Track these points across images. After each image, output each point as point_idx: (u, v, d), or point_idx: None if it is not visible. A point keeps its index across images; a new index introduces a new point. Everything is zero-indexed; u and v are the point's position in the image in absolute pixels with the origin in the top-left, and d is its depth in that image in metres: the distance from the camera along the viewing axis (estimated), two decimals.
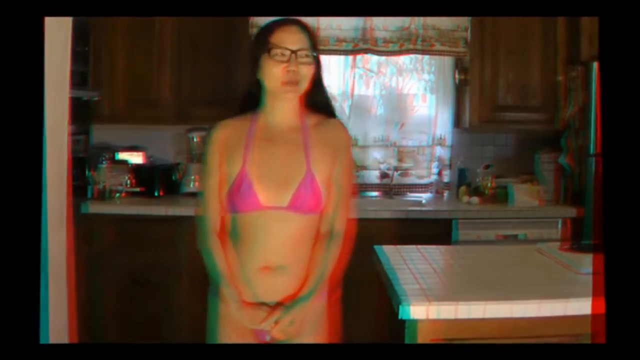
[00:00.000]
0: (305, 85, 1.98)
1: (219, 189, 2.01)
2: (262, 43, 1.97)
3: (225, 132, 2.02)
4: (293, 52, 1.94)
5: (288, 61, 1.93)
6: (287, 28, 1.97)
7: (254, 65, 1.99)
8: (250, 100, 2.04)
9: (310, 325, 2.01)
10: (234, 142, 2.00)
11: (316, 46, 2.00)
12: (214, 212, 2.02)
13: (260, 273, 1.96)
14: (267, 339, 1.99)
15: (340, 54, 4.17)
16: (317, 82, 2.02)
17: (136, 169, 4.10)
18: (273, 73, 1.95)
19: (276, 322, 1.94)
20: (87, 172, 3.92)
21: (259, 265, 1.96)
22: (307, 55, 1.96)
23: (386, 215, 3.77)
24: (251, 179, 1.94)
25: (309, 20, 3.24)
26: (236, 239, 2.00)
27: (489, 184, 4.12)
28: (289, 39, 1.95)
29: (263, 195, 1.94)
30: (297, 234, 1.97)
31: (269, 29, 1.98)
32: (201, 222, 2.04)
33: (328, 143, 2.02)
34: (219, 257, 2.00)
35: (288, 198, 1.94)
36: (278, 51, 1.94)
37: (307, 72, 1.97)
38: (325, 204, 2.00)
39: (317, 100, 2.05)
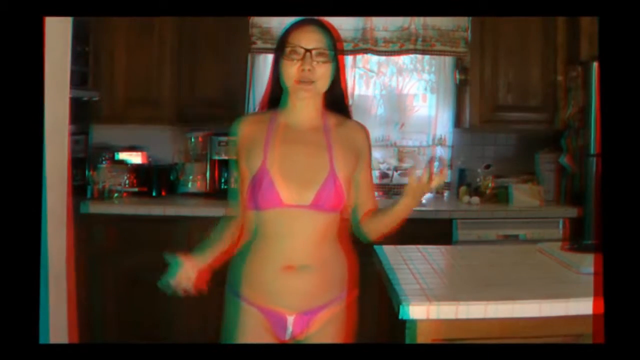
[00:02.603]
0: (322, 84, 1.98)
1: (242, 182, 2.04)
2: (280, 43, 1.99)
3: (246, 127, 2.05)
4: (307, 50, 1.94)
5: (302, 59, 1.94)
6: (305, 27, 1.98)
7: (275, 65, 2.01)
8: (272, 99, 2.06)
9: (328, 325, 2.01)
10: (254, 137, 2.01)
11: (337, 45, 2.00)
12: (238, 203, 2.07)
13: (282, 273, 1.95)
14: (287, 338, 1.99)
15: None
16: (336, 81, 2.02)
17: (136, 169, 4.10)
18: (288, 72, 1.96)
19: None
20: (87, 172, 3.92)
21: (282, 265, 1.95)
22: (322, 54, 1.96)
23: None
24: (272, 176, 1.94)
25: None
26: (257, 237, 1.99)
27: (489, 184, 4.12)
28: (304, 38, 1.95)
29: (285, 192, 1.93)
30: (319, 233, 1.97)
31: (288, 30, 2.00)
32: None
33: (350, 144, 2.04)
34: (216, 234, 2.07)
35: (311, 196, 1.94)
36: (292, 50, 1.95)
37: (323, 72, 1.96)
38: (346, 203, 2.02)
39: (335, 101, 2.05)
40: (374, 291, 2.90)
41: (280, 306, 1.97)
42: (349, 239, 2.11)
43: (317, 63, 1.95)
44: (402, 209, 2.01)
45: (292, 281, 1.95)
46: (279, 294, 1.96)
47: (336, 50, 1.99)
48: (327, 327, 2.01)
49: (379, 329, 3.49)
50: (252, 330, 1.98)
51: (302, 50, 1.94)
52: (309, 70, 1.94)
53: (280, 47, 1.98)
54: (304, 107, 2.01)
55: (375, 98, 4.41)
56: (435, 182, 1.92)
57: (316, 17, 2.02)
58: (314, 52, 1.94)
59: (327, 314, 2.00)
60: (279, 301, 1.96)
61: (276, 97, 2.05)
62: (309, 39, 1.96)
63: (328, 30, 1.99)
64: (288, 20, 2.03)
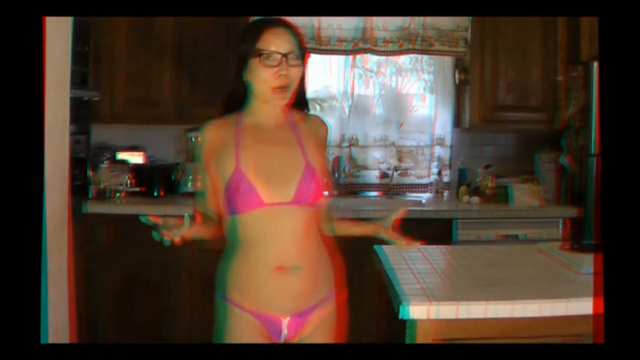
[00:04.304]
0: (293, 88, 1.97)
1: (214, 189, 2.01)
2: (251, 47, 1.94)
3: (212, 132, 2.02)
4: (284, 55, 1.92)
5: (279, 65, 1.92)
6: (275, 30, 1.94)
7: (240, 66, 1.98)
8: (235, 100, 2.04)
9: (321, 326, 2.00)
10: (222, 142, 1.99)
11: (302, 45, 1.99)
12: (209, 210, 2.06)
13: (274, 275, 1.93)
14: (282, 341, 1.98)
15: (340, 54, 4.16)
16: (301, 81, 2.01)
17: (136, 169, 4.10)
18: (263, 78, 1.93)
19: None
20: (87, 172, 3.92)
21: (272, 267, 1.93)
22: (296, 57, 1.95)
23: (386, 215, 3.76)
24: (249, 178, 1.92)
25: (309, 20, 3.22)
26: (240, 243, 1.96)
27: (489, 184, 4.12)
28: (277, 42, 1.93)
29: (265, 192, 1.92)
30: (303, 229, 1.95)
31: (255, 32, 1.95)
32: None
33: (317, 138, 2.07)
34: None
35: (292, 192, 1.93)
36: (268, 56, 1.92)
37: (296, 74, 1.96)
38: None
39: (299, 97, 2.04)
40: (374, 291, 2.91)
41: (274, 310, 1.95)
42: (332, 237, 2.11)
43: (292, 67, 1.94)
44: (359, 233, 2.20)
45: (284, 283, 1.93)
46: (273, 297, 1.94)
47: (303, 50, 1.99)
48: (319, 328, 2.00)
49: (379, 329, 3.50)
50: (246, 335, 1.95)
51: (279, 56, 1.92)
52: (285, 75, 1.93)
53: (251, 51, 1.93)
54: (271, 109, 2.01)
55: (374, 98, 4.41)
56: (406, 245, 2.13)
57: (281, 18, 1.99)
58: (289, 56, 1.93)
59: (318, 314, 2.00)
60: (272, 305, 1.95)
61: (239, 98, 2.03)
62: (282, 43, 1.93)
63: (295, 32, 1.98)
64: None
